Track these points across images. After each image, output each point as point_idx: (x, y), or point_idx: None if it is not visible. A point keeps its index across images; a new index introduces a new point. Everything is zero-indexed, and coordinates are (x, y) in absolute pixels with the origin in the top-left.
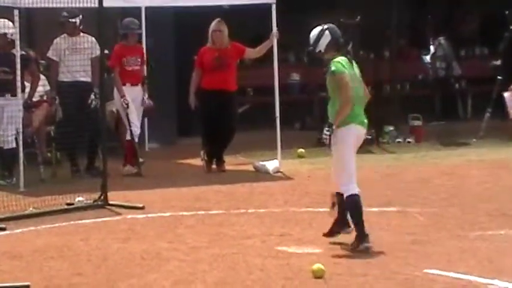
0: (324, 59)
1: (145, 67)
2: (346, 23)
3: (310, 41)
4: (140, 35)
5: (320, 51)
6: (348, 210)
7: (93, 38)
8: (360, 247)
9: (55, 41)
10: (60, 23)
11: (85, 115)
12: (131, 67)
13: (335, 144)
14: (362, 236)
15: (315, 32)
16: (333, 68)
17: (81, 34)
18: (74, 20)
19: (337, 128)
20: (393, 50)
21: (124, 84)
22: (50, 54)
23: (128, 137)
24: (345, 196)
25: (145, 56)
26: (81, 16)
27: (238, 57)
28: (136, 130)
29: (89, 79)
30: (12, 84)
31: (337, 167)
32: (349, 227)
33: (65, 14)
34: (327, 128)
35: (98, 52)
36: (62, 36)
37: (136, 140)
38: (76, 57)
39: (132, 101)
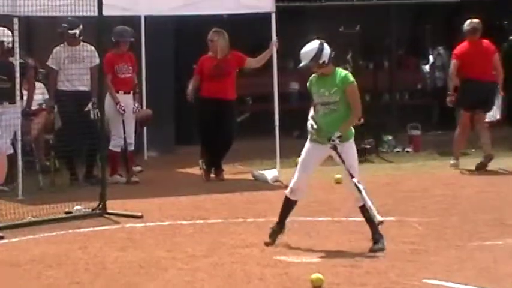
0: (316, 71)
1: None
2: (346, 32)
3: (309, 54)
4: (132, 42)
5: (324, 61)
6: (366, 215)
7: (92, 47)
8: (383, 245)
9: (55, 49)
10: (60, 33)
11: (84, 124)
12: (123, 75)
13: (346, 157)
14: (380, 234)
15: (313, 46)
16: (351, 79)
17: (81, 43)
18: (73, 32)
19: (347, 141)
20: (392, 59)
21: (117, 92)
22: (49, 62)
23: (112, 148)
24: (359, 204)
25: (136, 63)
26: (81, 26)
27: (237, 66)
28: (130, 140)
29: (87, 88)
30: (9, 92)
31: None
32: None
33: (65, 25)
34: (337, 135)
35: (97, 61)
36: (62, 45)
37: (131, 149)
38: (75, 66)
39: (126, 110)
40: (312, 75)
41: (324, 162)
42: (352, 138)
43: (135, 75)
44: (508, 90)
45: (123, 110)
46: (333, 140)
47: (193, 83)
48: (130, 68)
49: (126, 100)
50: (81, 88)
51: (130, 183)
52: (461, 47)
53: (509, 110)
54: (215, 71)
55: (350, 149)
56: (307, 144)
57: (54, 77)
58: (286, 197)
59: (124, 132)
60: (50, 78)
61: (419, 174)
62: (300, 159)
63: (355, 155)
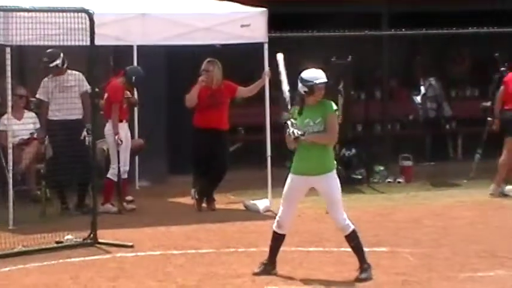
0: (315, 94)
1: None
2: (338, 62)
3: (323, 74)
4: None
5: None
6: (357, 242)
7: (81, 74)
8: (370, 274)
9: (44, 80)
10: (44, 67)
11: (76, 153)
12: (125, 104)
13: (330, 188)
14: (368, 264)
15: (321, 71)
16: (335, 107)
17: (68, 71)
18: (55, 64)
19: (330, 172)
20: (384, 90)
21: (121, 121)
22: (39, 94)
23: (109, 176)
24: (350, 231)
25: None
26: (62, 55)
27: (230, 96)
28: (126, 168)
29: (79, 116)
30: None
31: (337, 207)
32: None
33: (45, 59)
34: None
35: (87, 87)
36: (50, 75)
37: (125, 176)
38: (65, 95)
39: (125, 138)
40: (295, 107)
41: (315, 192)
42: (334, 170)
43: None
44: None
45: (121, 141)
46: (298, 133)
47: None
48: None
49: (126, 129)
50: (72, 117)
51: (126, 210)
52: (508, 75)
53: (500, 142)
54: (209, 101)
55: (332, 180)
56: (289, 177)
57: (45, 108)
58: (274, 231)
59: (118, 162)
60: (40, 109)
61: (411, 205)
62: (283, 193)
63: (338, 186)
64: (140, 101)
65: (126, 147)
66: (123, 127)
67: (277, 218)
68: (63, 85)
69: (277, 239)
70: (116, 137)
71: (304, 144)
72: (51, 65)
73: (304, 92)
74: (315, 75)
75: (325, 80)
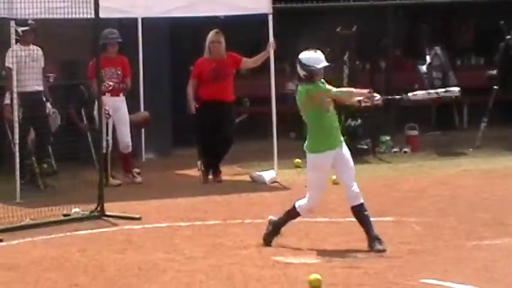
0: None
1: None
2: (342, 33)
3: (323, 59)
4: (122, 44)
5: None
6: (365, 214)
7: (40, 50)
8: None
9: (10, 49)
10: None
11: (44, 124)
12: (109, 79)
13: (348, 155)
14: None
15: (320, 54)
16: (324, 86)
17: (31, 45)
18: (30, 28)
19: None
20: (389, 60)
21: (103, 94)
22: (9, 63)
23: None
24: (361, 201)
25: (128, 67)
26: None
27: (235, 68)
28: (124, 144)
29: (42, 88)
30: None
31: (353, 175)
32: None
33: (16, 25)
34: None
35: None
36: (17, 45)
37: (128, 151)
38: (36, 64)
39: (114, 112)
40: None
41: None
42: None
43: (127, 80)
44: (505, 90)
45: (108, 114)
46: None
47: (192, 89)
48: (119, 72)
49: (115, 103)
50: (40, 88)
51: (135, 183)
52: None
53: (505, 110)
54: (214, 74)
55: (347, 148)
56: (314, 161)
57: (12, 77)
58: (297, 212)
59: (107, 134)
60: (9, 80)
61: (417, 174)
62: (309, 182)
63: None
64: (145, 74)
65: (121, 121)
66: (112, 101)
67: (306, 204)
68: (33, 55)
69: (294, 217)
70: (103, 110)
71: (327, 116)
72: (27, 28)
73: (304, 76)
74: (315, 59)
75: (326, 63)
